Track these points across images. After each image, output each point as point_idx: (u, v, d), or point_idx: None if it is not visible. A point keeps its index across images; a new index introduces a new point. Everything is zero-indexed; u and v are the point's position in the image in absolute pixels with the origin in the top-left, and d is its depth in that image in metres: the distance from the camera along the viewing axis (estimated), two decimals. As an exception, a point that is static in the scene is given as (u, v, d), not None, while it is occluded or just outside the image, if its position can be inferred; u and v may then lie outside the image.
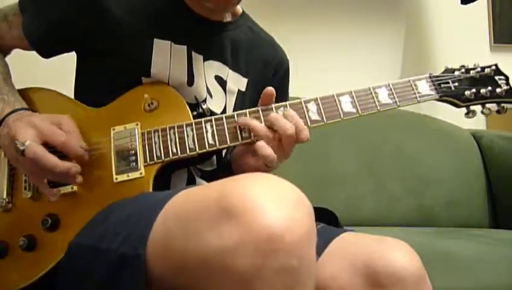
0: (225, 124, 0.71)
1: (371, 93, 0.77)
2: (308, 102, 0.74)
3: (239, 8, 0.91)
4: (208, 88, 0.82)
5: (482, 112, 0.81)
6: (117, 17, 0.75)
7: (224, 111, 0.84)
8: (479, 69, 0.83)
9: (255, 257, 0.43)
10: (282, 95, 0.95)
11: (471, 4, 1.90)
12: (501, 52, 2.13)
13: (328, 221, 0.78)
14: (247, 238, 0.43)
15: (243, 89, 0.87)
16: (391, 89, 0.77)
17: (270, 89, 0.73)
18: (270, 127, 0.71)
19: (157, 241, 0.50)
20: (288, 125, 0.70)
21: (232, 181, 0.49)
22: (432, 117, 1.79)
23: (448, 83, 0.80)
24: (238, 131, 0.71)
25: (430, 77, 0.80)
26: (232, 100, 0.86)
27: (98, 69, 0.80)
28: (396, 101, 0.76)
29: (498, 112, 0.81)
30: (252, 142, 0.71)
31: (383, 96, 0.76)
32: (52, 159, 0.63)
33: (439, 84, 0.80)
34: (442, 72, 0.82)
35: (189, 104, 0.76)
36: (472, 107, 0.80)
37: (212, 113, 0.80)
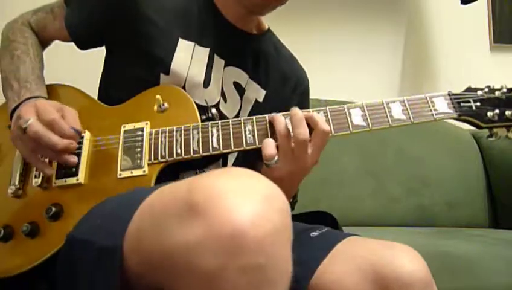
0: (231, 129, 0.72)
1: (384, 107, 0.73)
2: (318, 112, 0.73)
3: (265, 24, 0.93)
4: (223, 92, 0.84)
5: (507, 136, 0.75)
6: (146, 13, 0.78)
7: (237, 117, 0.85)
8: (505, 90, 0.76)
9: (218, 255, 0.41)
10: None
11: (471, 4, 1.90)
12: (501, 52, 2.13)
13: (327, 224, 0.78)
14: (210, 235, 0.42)
15: (260, 100, 0.88)
16: (405, 105, 0.73)
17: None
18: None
19: (132, 236, 0.50)
20: (302, 130, 0.68)
21: (201, 177, 0.48)
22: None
23: (469, 102, 0.75)
24: (243, 137, 0.71)
25: (449, 95, 0.75)
26: (247, 108, 0.87)
27: (122, 67, 0.83)
28: (410, 117, 0.73)
29: None
30: (256, 149, 0.71)
31: (397, 112, 0.73)
32: (51, 136, 0.67)
33: (459, 103, 0.75)
34: (464, 91, 0.77)
35: (200, 106, 0.77)
36: (496, 130, 0.75)
37: (223, 117, 0.82)
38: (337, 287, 0.63)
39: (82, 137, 0.74)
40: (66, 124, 0.69)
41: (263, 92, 0.89)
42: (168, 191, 0.51)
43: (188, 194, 0.45)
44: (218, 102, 0.83)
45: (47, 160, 0.72)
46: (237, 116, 0.85)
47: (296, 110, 0.69)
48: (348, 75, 1.87)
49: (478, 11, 2.08)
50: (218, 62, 0.83)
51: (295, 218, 0.82)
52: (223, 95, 0.84)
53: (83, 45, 0.87)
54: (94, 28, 0.83)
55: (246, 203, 0.43)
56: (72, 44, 0.87)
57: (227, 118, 0.82)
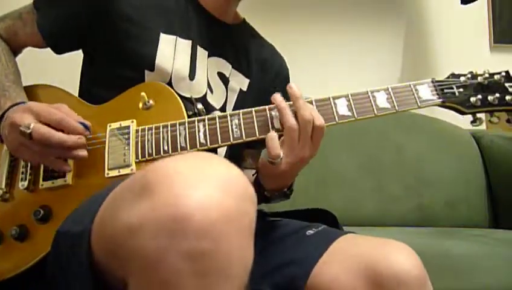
0: (217, 124, 0.71)
1: (369, 96, 0.74)
2: None
3: (240, 16, 0.94)
4: (209, 83, 0.84)
5: (490, 121, 0.76)
6: (124, 11, 0.78)
7: (223, 107, 0.86)
8: (487, 75, 0.76)
9: (158, 238, 0.38)
10: None
11: (471, 4, 1.90)
12: (501, 52, 2.13)
13: (328, 222, 0.78)
14: (152, 216, 0.39)
15: (244, 89, 0.89)
16: (390, 93, 0.74)
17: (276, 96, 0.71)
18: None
19: (97, 222, 0.50)
20: (307, 112, 0.67)
21: (162, 160, 0.45)
22: (431, 117, 1.79)
23: (452, 88, 0.75)
24: (230, 131, 0.71)
25: (432, 82, 0.75)
26: (232, 98, 0.87)
27: (103, 64, 0.82)
28: (395, 106, 0.73)
29: (508, 121, 0.76)
30: (243, 143, 0.71)
31: (381, 100, 0.74)
32: (59, 134, 0.66)
33: (442, 90, 0.75)
34: (447, 77, 0.77)
35: (186, 100, 0.77)
36: (479, 115, 0.76)
37: (212, 108, 0.82)
38: (334, 286, 0.63)
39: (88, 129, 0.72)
40: (73, 121, 0.69)
41: (247, 81, 0.89)
42: (130, 178, 0.49)
43: (143, 174, 0.43)
44: (205, 93, 0.83)
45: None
46: (223, 106, 0.86)
47: (296, 92, 0.68)
48: (348, 75, 1.87)
49: (478, 11, 2.08)
50: (202, 53, 0.83)
51: (295, 215, 0.83)
52: (209, 86, 0.84)
53: (59, 50, 0.84)
54: (69, 30, 0.81)
55: (197, 185, 0.40)
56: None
57: (215, 109, 0.83)
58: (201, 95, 0.82)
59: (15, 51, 0.87)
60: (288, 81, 0.98)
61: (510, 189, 1.58)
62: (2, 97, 0.74)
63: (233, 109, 0.87)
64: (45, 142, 0.66)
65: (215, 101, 0.84)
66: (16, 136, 0.68)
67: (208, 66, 0.84)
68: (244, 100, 0.88)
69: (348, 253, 0.66)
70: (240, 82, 0.88)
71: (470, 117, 0.76)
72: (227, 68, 0.87)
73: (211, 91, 0.84)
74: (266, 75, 0.93)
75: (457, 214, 1.59)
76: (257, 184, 0.75)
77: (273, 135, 0.68)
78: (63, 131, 0.68)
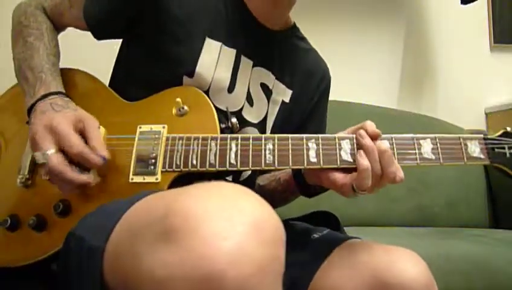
0: (250, 146, 0.68)
1: (414, 143, 0.70)
2: (343, 139, 0.68)
3: (291, 19, 0.90)
4: (250, 95, 0.81)
5: None
6: (172, 11, 0.75)
7: (264, 120, 0.83)
8: None
9: None
10: (319, 112, 0.93)
11: (471, 4, 1.90)
12: (501, 52, 2.13)
13: (330, 224, 0.78)
14: (183, 271, 0.36)
15: (287, 100, 0.86)
16: (436, 143, 0.70)
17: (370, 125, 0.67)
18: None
19: (112, 247, 0.48)
20: (393, 168, 0.63)
21: (180, 194, 0.42)
22: (431, 117, 1.79)
23: (503, 148, 0.70)
24: (263, 156, 0.68)
25: (484, 139, 0.70)
26: (274, 110, 0.84)
27: (140, 61, 0.79)
28: (439, 158, 0.69)
29: None
30: (275, 170, 0.69)
31: (427, 150, 0.69)
32: (70, 175, 0.63)
33: (493, 149, 0.70)
34: (499, 135, 0.72)
35: (220, 112, 0.75)
36: None
37: (246, 123, 0.80)
38: None
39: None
40: (93, 154, 0.65)
41: (289, 92, 0.86)
42: (149, 205, 0.47)
43: (166, 215, 0.39)
44: (242, 107, 0.79)
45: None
46: (264, 119, 0.82)
47: (385, 145, 0.64)
48: (348, 75, 1.87)
49: (478, 11, 2.08)
50: (246, 63, 0.80)
51: (298, 219, 0.82)
52: (248, 98, 0.81)
53: (100, 36, 0.81)
54: (114, 20, 0.79)
55: (228, 232, 0.37)
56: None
57: (250, 124, 0.80)
58: (237, 108, 0.79)
59: (58, 29, 0.85)
60: (329, 91, 0.95)
61: (510, 189, 1.58)
62: (38, 80, 0.73)
63: (275, 121, 0.84)
64: (57, 175, 0.64)
65: (253, 115, 0.81)
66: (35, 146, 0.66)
67: (251, 77, 0.81)
68: (286, 112, 0.85)
69: (352, 259, 0.64)
70: (282, 93, 0.85)
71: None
72: (270, 80, 0.83)
73: (250, 104, 0.81)
74: (310, 83, 0.90)
75: (457, 214, 1.59)
76: (296, 180, 0.75)
77: (368, 167, 0.62)
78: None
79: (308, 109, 0.89)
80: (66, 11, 0.82)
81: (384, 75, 1.96)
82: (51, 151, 0.63)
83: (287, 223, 0.79)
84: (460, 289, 1.01)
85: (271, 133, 0.83)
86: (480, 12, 2.11)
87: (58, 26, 0.85)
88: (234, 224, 0.38)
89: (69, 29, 0.87)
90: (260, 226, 0.38)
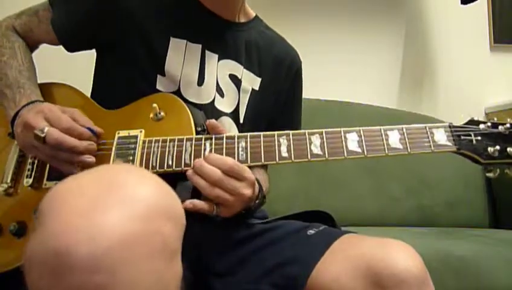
0: (224, 144, 0.71)
1: (381, 134, 0.72)
2: (313, 134, 0.71)
3: (252, 12, 0.94)
4: (219, 87, 0.84)
5: (506, 172, 0.71)
6: (135, 16, 0.79)
7: (236, 109, 0.86)
8: (508, 125, 0.72)
9: (43, 275, 0.35)
10: (293, 98, 0.97)
11: (471, 4, 1.90)
12: (501, 52, 2.13)
13: (326, 224, 0.78)
14: (36, 250, 0.36)
15: (257, 88, 0.89)
16: (403, 133, 0.72)
17: (213, 122, 0.72)
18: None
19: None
20: (211, 172, 0.66)
21: (64, 180, 0.41)
22: (431, 117, 1.79)
23: (469, 135, 0.72)
24: (236, 154, 0.70)
25: (449, 127, 0.73)
26: (245, 99, 0.87)
27: (114, 68, 0.83)
28: (407, 147, 0.71)
29: None
30: (249, 166, 0.70)
31: (394, 140, 0.71)
32: (71, 140, 0.68)
33: (459, 136, 0.72)
34: (465, 123, 0.74)
35: (196, 105, 0.78)
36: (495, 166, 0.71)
37: (221, 113, 0.83)
38: (334, 286, 0.63)
39: (97, 136, 0.73)
40: (82, 127, 0.70)
41: (258, 80, 0.89)
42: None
43: (42, 201, 0.39)
44: (214, 99, 0.83)
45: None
46: (237, 108, 0.86)
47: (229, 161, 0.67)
48: (348, 75, 1.87)
49: (478, 11, 2.08)
50: (211, 57, 0.84)
51: (294, 217, 0.82)
52: (218, 89, 0.84)
53: (71, 48, 0.86)
54: (82, 30, 0.82)
55: (85, 210, 0.36)
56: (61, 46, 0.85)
57: (224, 114, 0.84)
58: (209, 100, 0.83)
59: (31, 47, 0.88)
60: (301, 74, 0.98)
61: (510, 189, 1.58)
62: (17, 94, 0.76)
63: (247, 109, 0.87)
64: (57, 146, 0.67)
65: (226, 104, 0.85)
66: (29, 137, 0.69)
67: (219, 69, 0.84)
68: (257, 99, 0.88)
69: (348, 253, 0.65)
70: (251, 82, 0.88)
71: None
72: (238, 69, 0.87)
73: (221, 95, 0.84)
74: (279, 70, 0.93)
75: (457, 214, 1.59)
76: None
77: (195, 202, 0.66)
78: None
79: (282, 96, 0.93)
80: (35, 28, 0.86)
81: (384, 75, 1.96)
82: (47, 127, 0.67)
83: (282, 221, 0.79)
84: (460, 288, 1.01)
85: (244, 121, 0.86)
86: (480, 12, 2.11)
87: (30, 44, 0.88)
88: (97, 200, 0.37)
89: (45, 45, 0.89)
90: (132, 200, 0.38)
